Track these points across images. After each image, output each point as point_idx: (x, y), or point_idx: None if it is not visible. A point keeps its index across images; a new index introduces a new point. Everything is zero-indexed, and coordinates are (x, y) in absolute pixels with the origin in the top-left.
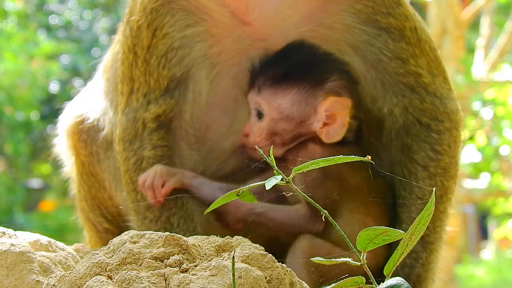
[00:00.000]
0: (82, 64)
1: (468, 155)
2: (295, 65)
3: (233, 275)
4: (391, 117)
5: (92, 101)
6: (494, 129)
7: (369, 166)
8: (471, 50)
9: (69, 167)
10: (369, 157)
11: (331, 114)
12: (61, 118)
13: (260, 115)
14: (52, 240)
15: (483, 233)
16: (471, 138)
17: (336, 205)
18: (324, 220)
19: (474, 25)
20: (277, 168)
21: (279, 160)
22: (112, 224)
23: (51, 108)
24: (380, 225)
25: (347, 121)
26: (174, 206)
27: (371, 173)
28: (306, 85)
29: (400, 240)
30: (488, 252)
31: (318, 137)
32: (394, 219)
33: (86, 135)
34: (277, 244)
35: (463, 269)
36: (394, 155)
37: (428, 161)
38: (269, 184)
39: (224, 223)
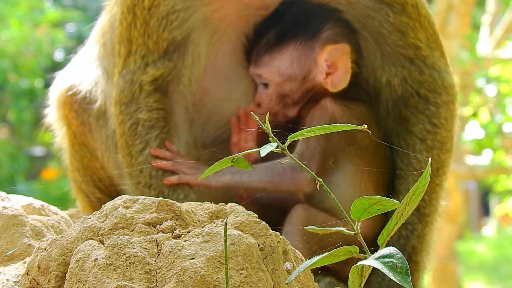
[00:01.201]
0: (88, 33)
1: (471, 131)
2: (287, 24)
3: (225, 241)
4: (389, 88)
5: (84, 70)
6: (498, 106)
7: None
8: (476, 27)
9: (61, 137)
10: (365, 126)
11: (332, 63)
12: (53, 87)
13: (265, 85)
14: (45, 204)
15: (485, 210)
16: (474, 114)
17: (338, 162)
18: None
19: (480, 2)
20: (272, 135)
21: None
22: (105, 194)
23: (55, 77)
24: (379, 195)
25: (349, 66)
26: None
27: (373, 142)
28: (301, 39)
29: (395, 210)
30: (489, 228)
31: (328, 91)
32: (391, 190)
33: (78, 105)
34: (273, 213)
35: (464, 245)
36: (392, 126)
37: (425, 134)
38: (264, 151)
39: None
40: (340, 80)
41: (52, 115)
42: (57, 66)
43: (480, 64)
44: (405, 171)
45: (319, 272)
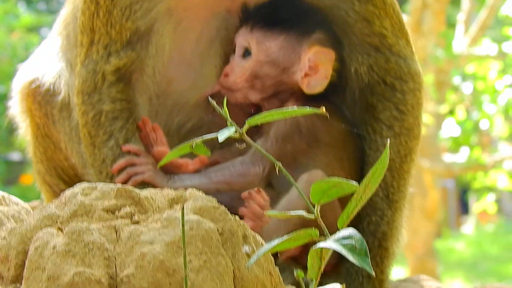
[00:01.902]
0: None
1: (448, 129)
2: (287, 13)
3: (183, 226)
4: (356, 76)
5: (47, 62)
6: (474, 103)
7: (342, 122)
8: (451, 25)
9: (24, 129)
10: (323, 108)
11: (315, 65)
12: (16, 79)
13: (247, 53)
14: (6, 194)
15: (464, 208)
16: (451, 112)
17: (306, 159)
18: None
19: (455, 0)
20: (230, 119)
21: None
22: (69, 185)
23: None
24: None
25: (329, 73)
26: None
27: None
28: (295, 32)
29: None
30: (468, 226)
31: (298, 91)
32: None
33: (41, 97)
34: None
35: (443, 243)
36: (358, 114)
37: (393, 121)
38: (222, 135)
39: None
40: (317, 84)
41: (15, 107)
42: None
43: (455, 61)
44: (373, 157)
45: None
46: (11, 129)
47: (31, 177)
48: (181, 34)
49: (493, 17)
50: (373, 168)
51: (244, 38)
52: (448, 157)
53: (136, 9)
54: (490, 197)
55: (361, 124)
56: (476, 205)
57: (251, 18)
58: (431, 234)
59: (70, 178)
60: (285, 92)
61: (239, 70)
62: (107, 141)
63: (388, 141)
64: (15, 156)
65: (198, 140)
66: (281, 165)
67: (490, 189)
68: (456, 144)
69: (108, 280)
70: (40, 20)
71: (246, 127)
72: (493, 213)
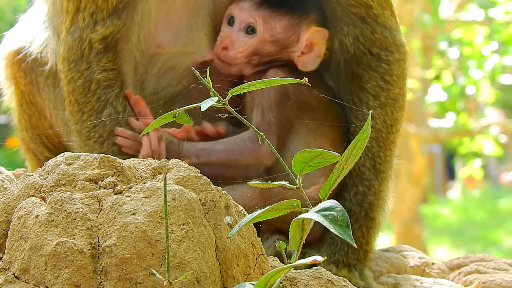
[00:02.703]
0: None
1: (434, 94)
2: None
3: (165, 196)
4: (341, 47)
5: (33, 30)
6: (461, 69)
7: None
8: None
9: (9, 96)
10: (306, 79)
11: (310, 44)
12: (1, 46)
13: (251, 31)
14: None
15: (450, 173)
16: (437, 77)
17: (293, 127)
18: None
19: None
20: (213, 89)
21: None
22: (53, 153)
23: None
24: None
25: (323, 52)
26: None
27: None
28: (297, 13)
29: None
30: (454, 191)
31: (287, 66)
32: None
33: (26, 65)
34: None
35: (429, 209)
36: (344, 84)
37: (378, 91)
38: (205, 105)
39: None
40: (311, 62)
41: (1, 74)
42: None
43: (442, 27)
44: (360, 127)
45: (260, 226)
46: None
47: (17, 140)
48: (168, 0)
49: None
50: (355, 138)
51: (249, 14)
52: (434, 122)
53: None
54: (476, 163)
55: (346, 94)
56: (462, 171)
57: None
58: (417, 200)
59: (54, 146)
60: (275, 67)
61: (240, 45)
62: (102, 109)
63: (371, 112)
64: (1, 119)
65: (181, 110)
66: (263, 136)
67: (476, 154)
68: (442, 110)
69: (91, 250)
70: None
71: (228, 97)
72: (479, 179)
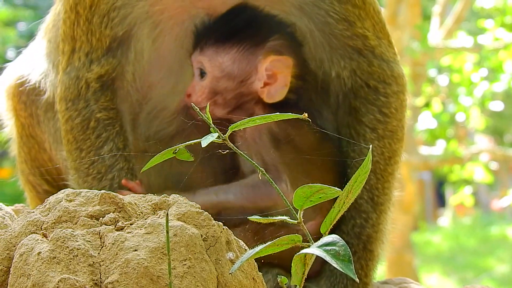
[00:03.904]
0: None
1: (424, 122)
2: (237, 26)
3: (167, 232)
4: (338, 80)
5: (33, 62)
6: (450, 96)
7: (317, 128)
8: (427, 17)
9: (10, 128)
10: (306, 114)
11: (273, 74)
12: (2, 79)
13: (202, 74)
14: None
15: (440, 200)
16: (427, 105)
17: (293, 168)
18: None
19: None
20: (213, 125)
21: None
22: (52, 186)
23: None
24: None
25: (288, 80)
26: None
27: (319, 136)
28: (247, 44)
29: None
30: (445, 219)
31: (262, 100)
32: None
33: (26, 97)
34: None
35: (420, 236)
36: (341, 117)
37: (376, 123)
38: (205, 141)
39: None
40: (277, 92)
41: (2, 105)
42: None
43: (431, 54)
44: (358, 161)
45: (262, 261)
46: None
47: (7, 171)
48: (159, 37)
49: (468, 9)
50: (356, 173)
51: (196, 60)
52: (424, 150)
53: (113, 16)
54: (467, 190)
55: (344, 127)
56: (453, 198)
57: (201, 38)
58: (408, 227)
59: (53, 179)
60: (249, 103)
61: (198, 89)
62: (103, 144)
63: (371, 147)
64: None
65: (181, 146)
66: (264, 172)
67: (467, 181)
68: (432, 137)
69: (93, 287)
70: (16, 14)
71: (228, 132)
72: (470, 206)
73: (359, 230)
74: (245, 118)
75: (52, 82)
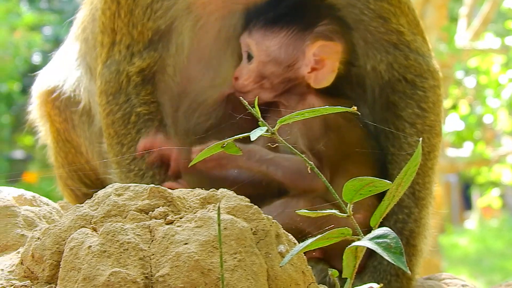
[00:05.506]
0: (65, 35)
1: (451, 124)
2: (286, 9)
3: (219, 225)
4: (375, 74)
5: (65, 69)
6: (477, 97)
7: (367, 122)
8: (454, 19)
9: (44, 134)
10: (355, 107)
11: (320, 59)
12: (35, 85)
13: (250, 57)
14: (37, 195)
15: (467, 203)
16: (454, 107)
17: (337, 159)
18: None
19: None
20: (262, 119)
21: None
22: (91, 188)
23: (33, 80)
24: None
25: (336, 66)
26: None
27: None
28: (296, 28)
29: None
30: (471, 221)
31: (309, 86)
32: (386, 176)
33: (60, 102)
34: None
35: (447, 239)
36: (379, 112)
37: (415, 118)
38: (254, 135)
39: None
40: (324, 78)
41: (35, 112)
42: (34, 69)
43: (458, 56)
44: (398, 155)
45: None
46: (14, 127)
47: (33, 175)
48: (200, 31)
49: (495, 10)
50: (405, 166)
51: (244, 43)
52: (451, 152)
53: (156, 8)
54: (495, 192)
55: (382, 123)
56: (480, 200)
57: (250, 20)
58: (435, 230)
59: (91, 182)
60: (299, 87)
61: (245, 72)
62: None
63: (421, 140)
64: (18, 154)
65: (230, 140)
66: (313, 165)
67: (494, 183)
68: (459, 139)
69: (144, 280)
70: (42, 18)
71: (277, 126)
72: (497, 208)
73: (401, 225)
74: (292, 112)
75: (86, 89)
